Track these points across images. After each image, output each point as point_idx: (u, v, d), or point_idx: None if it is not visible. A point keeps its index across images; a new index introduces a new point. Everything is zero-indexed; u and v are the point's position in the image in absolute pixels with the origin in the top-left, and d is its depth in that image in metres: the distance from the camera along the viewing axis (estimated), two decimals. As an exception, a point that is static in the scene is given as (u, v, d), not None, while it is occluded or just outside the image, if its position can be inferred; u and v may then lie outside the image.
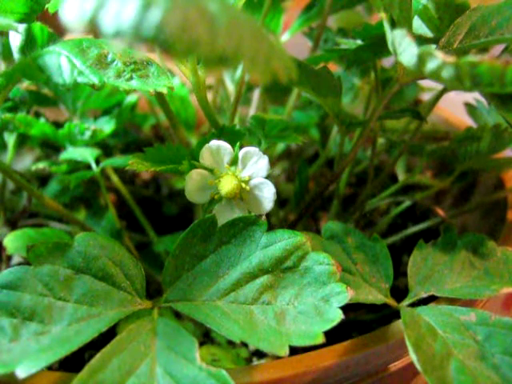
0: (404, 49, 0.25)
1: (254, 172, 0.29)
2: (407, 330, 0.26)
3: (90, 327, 0.25)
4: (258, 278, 0.28)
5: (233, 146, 0.29)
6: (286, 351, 0.24)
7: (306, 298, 0.27)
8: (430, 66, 0.23)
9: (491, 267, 0.32)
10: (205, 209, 0.30)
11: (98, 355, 0.24)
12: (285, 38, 0.48)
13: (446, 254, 0.34)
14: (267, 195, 0.29)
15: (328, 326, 0.26)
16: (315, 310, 0.27)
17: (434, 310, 0.29)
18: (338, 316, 0.26)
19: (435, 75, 0.24)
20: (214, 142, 0.29)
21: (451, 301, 0.31)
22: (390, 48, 0.27)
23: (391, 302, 0.32)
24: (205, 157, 0.29)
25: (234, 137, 0.30)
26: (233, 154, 0.29)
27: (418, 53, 0.23)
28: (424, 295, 0.32)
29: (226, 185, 0.29)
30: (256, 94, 0.50)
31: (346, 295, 0.27)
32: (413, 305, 0.31)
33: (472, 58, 0.21)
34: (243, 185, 0.29)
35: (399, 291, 0.35)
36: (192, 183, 0.29)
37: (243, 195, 0.29)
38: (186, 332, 0.25)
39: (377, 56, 0.38)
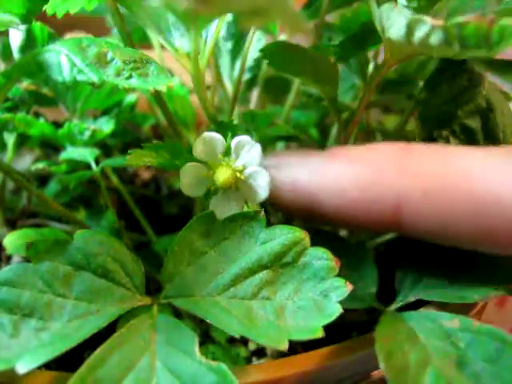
0: (392, 22, 0.25)
1: (247, 161, 0.29)
2: (380, 337, 0.26)
3: (90, 323, 0.25)
4: (258, 274, 0.28)
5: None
6: (285, 345, 0.24)
7: (305, 293, 0.27)
8: (419, 33, 0.23)
9: (483, 271, 0.32)
10: (202, 201, 0.30)
11: (98, 351, 0.24)
12: (283, 37, 0.49)
13: (436, 257, 0.33)
14: (262, 183, 0.29)
15: (327, 321, 0.26)
16: (314, 304, 0.27)
17: (418, 315, 0.29)
18: (337, 310, 0.26)
19: (424, 43, 0.24)
20: (207, 134, 0.29)
21: (441, 305, 0.31)
22: (378, 26, 0.27)
23: (378, 306, 0.32)
24: (198, 149, 0.29)
25: (231, 132, 0.31)
26: (225, 144, 0.29)
27: (407, 21, 0.23)
28: (412, 299, 0.32)
29: (221, 175, 0.29)
30: (255, 94, 0.50)
31: (344, 290, 0.27)
32: (400, 309, 0.31)
33: (459, 19, 0.21)
34: (238, 174, 0.29)
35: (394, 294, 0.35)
36: (187, 177, 0.30)
37: (238, 185, 0.29)
38: (186, 327, 0.25)
39: (363, 47, 0.38)
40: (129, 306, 0.27)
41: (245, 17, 0.19)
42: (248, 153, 0.29)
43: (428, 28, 0.23)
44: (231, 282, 0.28)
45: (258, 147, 0.29)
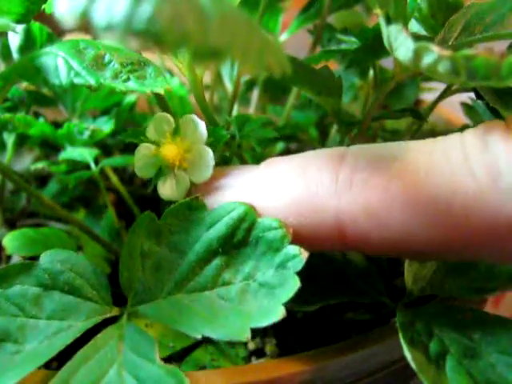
0: (400, 44, 0.25)
1: (193, 139, 0.29)
2: (402, 329, 0.27)
3: (60, 340, 0.25)
4: (213, 261, 0.27)
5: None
6: (247, 335, 0.24)
7: (263, 269, 0.26)
8: (426, 60, 0.23)
9: (488, 267, 0.32)
10: (152, 183, 0.30)
11: (65, 367, 0.24)
12: (283, 37, 0.49)
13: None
14: (206, 161, 0.29)
15: (289, 295, 0.25)
16: (274, 279, 0.26)
17: (430, 310, 0.30)
18: (296, 283, 0.25)
19: (431, 69, 0.24)
20: (158, 114, 0.30)
21: (448, 300, 0.32)
22: (386, 44, 0.27)
23: (388, 301, 0.32)
24: (149, 130, 0.30)
25: (226, 135, 0.31)
26: (173, 124, 0.30)
27: (414, 47, 0.23)
28: (421, 295, 0.32)
29: (165, 152, 0.29)
30: (255, 94, 0.50)
31: (301, 258, 0.26)
32: (410, 304, 0.31)
33: (468, 51, 0.21)
34: (183, 152, 0.29)
35: (398, 291, 0.35)
36: (139, 157, 0.30)
37: (184, 164, 0.29)
38: (148, 334, 0.26)
39: (376, 56, 0.38)
40: (99, 319, 0.27)
41: (199, 57, 0.18)
42: (194, 131, 0.29)
43: (435, 56, 0.22)
44: (188, 275, 0.27)
45: (202, 125, 0.29)
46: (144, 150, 0.30)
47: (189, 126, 0.29)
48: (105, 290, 0.28)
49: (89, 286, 0.28)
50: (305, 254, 0.26)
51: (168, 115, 0.30)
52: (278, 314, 0.24)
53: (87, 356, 0.25)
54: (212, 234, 0.27)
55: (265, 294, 0.26)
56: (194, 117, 0.29)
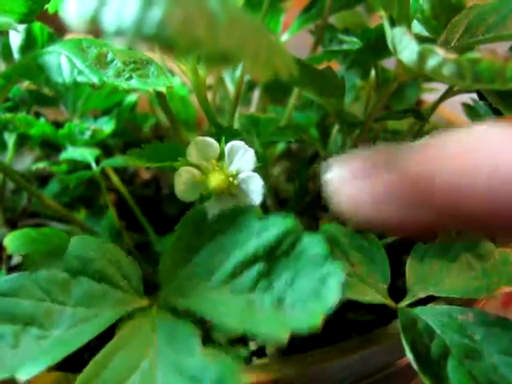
0: (404, 46, 0.25)
1: (240, 166, 0.29)
2: (404, 330, 0.26)
3: (89, 328, 0.25)
4: (254, 266, 0.27)
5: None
6: (286, 335, 0.23)
7: (302, 282, 0.26)
8: (431, 62, 0.23)
9: (489, 268, 0.32)
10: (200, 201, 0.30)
11: (100, 354, 0.24)
12: (284, 38, 0.49)
13: (443, 255, 0.34)
14: (255, 188, 0.29)
15: (326, 308, 0.25)
16: (312, 292, 0.26)
17: (432, 310, 0.30)
18: (335, 297, 0.25)
19: (436, 72, 0.24)
20: (200, 138, 0.29)
21: (450, 301, 0.32)
22: (390, 46, 0.27)
23: (389, 302, 0.32)
24: (192, 154, 0.29)
25: (231, 137, 0.30)
26: (219, 149, 0.29)
27: (419, 50, 0.23)
28: (422, 295, 0.32)
29: (214, 180, 0.28)
30: (256, 94, 0.50)
31: (341, 275, 0.25)
32: (411, 305, 0.31)
33: (472, 55, 0.21)
34: (231, 179, 0.29)
35: (399, 291, 0.35)
36: (181, 181, 0.29)
37: (232, 190, 0.29)
38: (186, 325, 0.25)
39: (378, 57, 0.38)
40: (128, 309, 0.27)
41: (211, 61, 0.18)
42: (241, 158, 0.29)
43: (440, 59, 0.22)
44: (229, 276, 0.27)
45: (251, 152, 0.28)
46: (186, 173, 0.29)
47: (237, 152, 0.29)
48: (136, 279, 0.28)
49: (120, 275, 0.27)
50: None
51: (211, 140, 0.29)
52: (316, 321, 0.24)
53: (121, 345, 0.24)
54: (260, 240, 0.27)
55: (301, 306, 0.25)
56: (242, 143, 0.29)
